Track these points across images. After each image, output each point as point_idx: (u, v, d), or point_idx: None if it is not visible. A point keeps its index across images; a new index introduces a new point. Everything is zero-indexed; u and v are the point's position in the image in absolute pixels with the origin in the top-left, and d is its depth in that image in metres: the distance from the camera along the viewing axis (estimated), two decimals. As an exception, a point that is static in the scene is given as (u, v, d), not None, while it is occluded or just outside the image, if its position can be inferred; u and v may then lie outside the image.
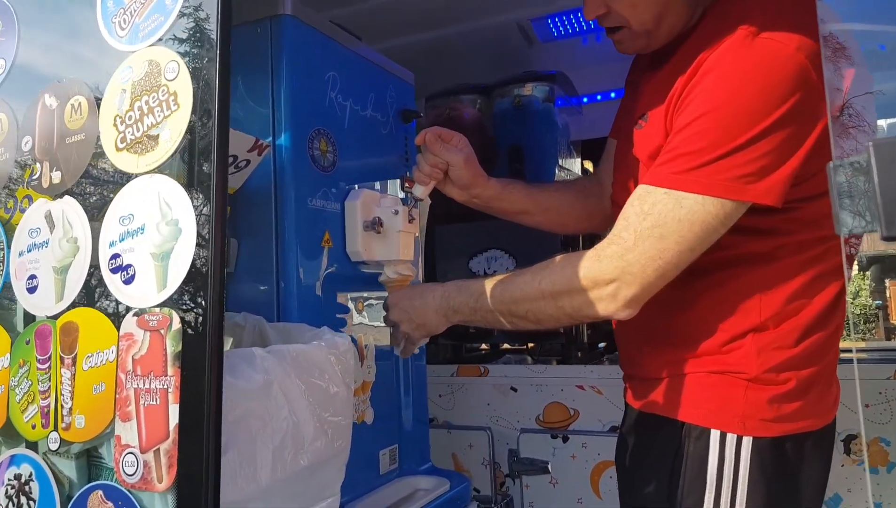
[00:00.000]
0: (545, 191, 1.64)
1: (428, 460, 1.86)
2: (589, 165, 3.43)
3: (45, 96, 1.09)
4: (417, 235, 1.62)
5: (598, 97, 3.31)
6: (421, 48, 2.60)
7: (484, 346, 3.07)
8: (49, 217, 1.04)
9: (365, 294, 1.63)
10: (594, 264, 1.16)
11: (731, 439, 1.15)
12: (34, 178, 1.07)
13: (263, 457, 0.96)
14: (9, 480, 1.01)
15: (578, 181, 2.04)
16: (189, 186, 0.90)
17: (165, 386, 0.87)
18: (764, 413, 1.15)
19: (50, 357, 0.99)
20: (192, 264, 0.88)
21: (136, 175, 0.94)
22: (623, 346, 1.39)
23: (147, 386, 0.88)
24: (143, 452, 0.87)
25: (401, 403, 1.78)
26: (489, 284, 1.28)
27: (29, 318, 1.04)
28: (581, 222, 1.62)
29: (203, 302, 0.86)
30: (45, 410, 0.99)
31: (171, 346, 0.87)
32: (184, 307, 0.88)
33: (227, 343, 1.29)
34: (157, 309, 0.89)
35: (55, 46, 1.14)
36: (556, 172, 2.61)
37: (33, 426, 1.00)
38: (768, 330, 1.17)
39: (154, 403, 0.87)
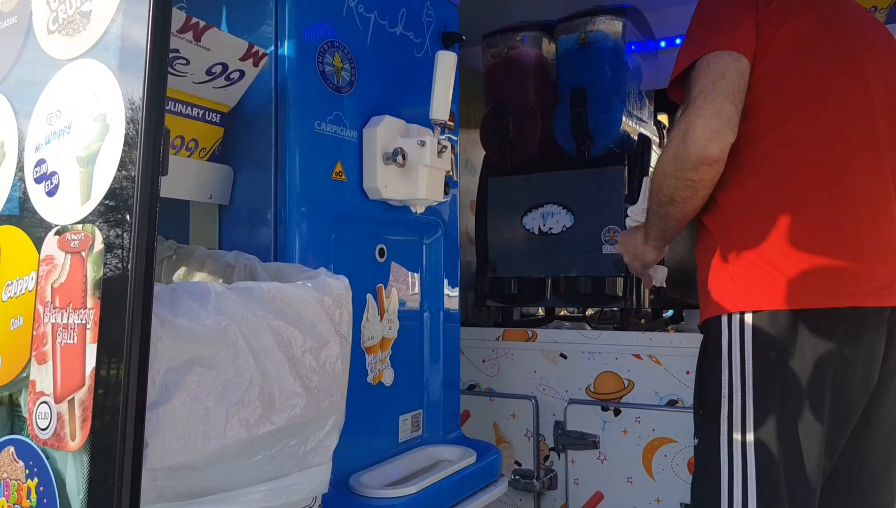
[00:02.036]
0: None
1: (457, 428, 1.67)
2: (663, 118, 3.12)
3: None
4: (449, 171, 1.41)
5: (678, 41, 2.98)
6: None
7: (540, 311, 2.85)
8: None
9: (387, 238, 1.43)
10: None
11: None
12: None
13: (215, 415, 0.78)
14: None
15: None
16: (121, 72, 0.71)
17: (84, 321, 0.70)
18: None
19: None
20: (120, 170, 0.70)
21: (66, 62, 0.76)
22: None
23: (65, 321, 0.71)
24: (57, 402, 0.71)
25: (427, 365, 1.59)
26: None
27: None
28: None
29: (129, 217, 0.68)
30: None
31: (92, 272, 0.70)
32: (108, 224, 0.70)
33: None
34: (80, 226, 0.72)
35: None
36: (624, 119, 2.33)
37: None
38: None
39: (71, 342, 0.70)
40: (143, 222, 0.68)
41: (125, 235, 0.69)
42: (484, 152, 2.51)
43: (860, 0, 1.58)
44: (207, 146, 1.18)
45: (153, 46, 0.69)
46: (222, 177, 1.22)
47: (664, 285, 1.77)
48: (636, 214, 1.64)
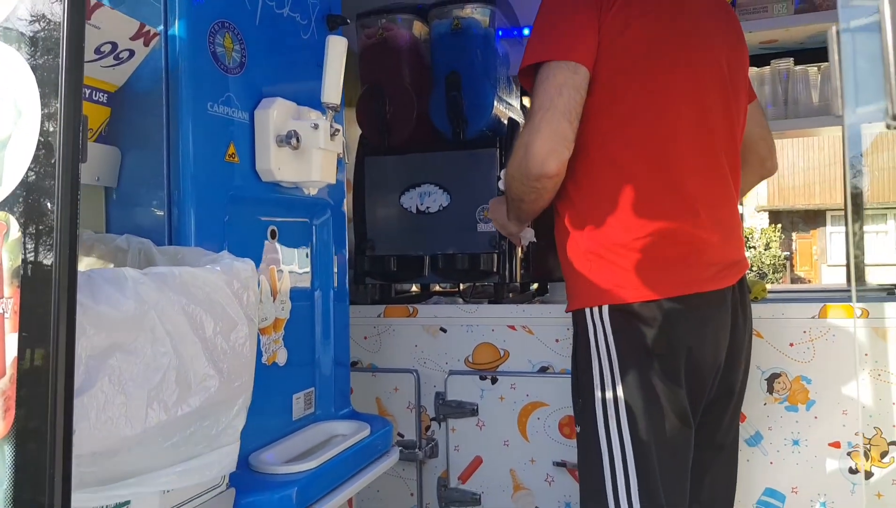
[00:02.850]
0: None
1: (348, 405, 1.72)
2: (528, 101, 3.29)
3: None
4: (341, 154, 1.44)
5: (540, 29, 3.14)
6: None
7: (414, 288, 2.94)
8: None
9: (277, 220, 1.45)
10: None
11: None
12: None
13: (136, 399, 0.79)
14: None
15: None
16: (31, 55, 0.70)
17: (1, 310, 0.68)
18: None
19: None
20: (36, 155, 0.68)
21: (-35, 42, 0.73)
22: None
23: (-23, 310, 0.69)
24: (-28, 392, 0.69)
25: (318, 344, 1.62)
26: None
27: None
28: None
29: (50, 204, 0.68)
30: None
31: (9, 259, 0.68)
32: (25, 210, 0.69)
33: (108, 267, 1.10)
34: (-9, 213, 0.70)
35: None
36: (496, 103, 2.45)
37: None
38: None
39: (-14, 331, 0.69)
40: (65, 210, 0.67)
41: (44, 222, 0.68)
42: (359, 132, 2.54)
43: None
44: (94, 127, 1.14)
45: (70, 32, 0.68)
46: (110, 158, 1.18)
47: (534, 241, 1.89)
48: (501, 176, 1.72)
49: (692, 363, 1.42)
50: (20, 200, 0.69)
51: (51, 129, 0.68)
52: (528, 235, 1.83)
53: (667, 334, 1.40)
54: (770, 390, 1.90)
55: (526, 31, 3.07)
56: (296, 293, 1.54)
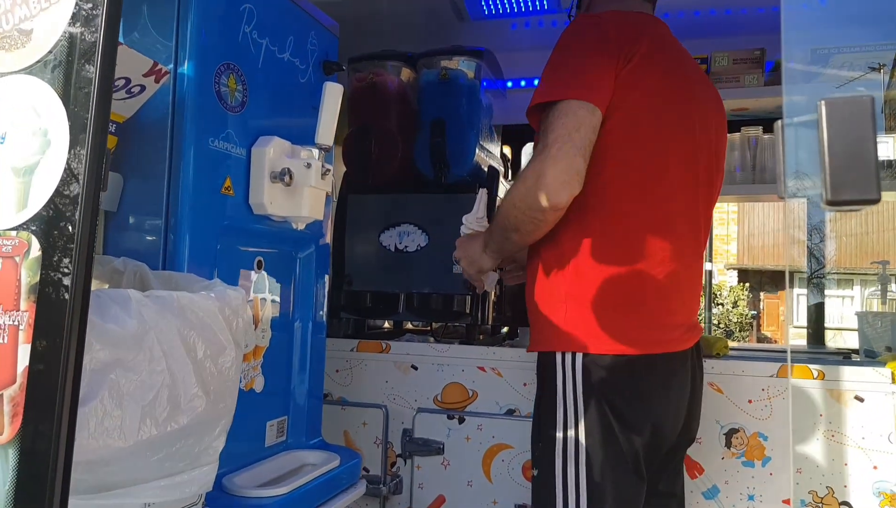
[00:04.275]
0: None
1: (318, 435, 1.76)
2: (507, 150, 3.40)
3: None
4: (329, 192, 1.52)
5: (523, 83, 3.28)
6: (349, 7, 2.47)
7: (386, 324, 2.99)
8: None
9: (264, 251, 1.51)
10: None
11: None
12: None
13: (131, 413, 0.84)
14: None
15: None
16: (65, 92, 0.77)
17: (16, 322, 0.74)
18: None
19: None
20: (61, 183, 0.75)
21: (1, 75, 0.80)
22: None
23: (-7, 321, 0.75)
24: (-19, 398, 0.74)
25: (294, 374, 1.67)
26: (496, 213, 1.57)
27: None
28: None
29: (70, 228, 0.74)
30: None
31: (27, 276, 0.74)
32: (46, 232, 0.75)
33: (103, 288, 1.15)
34: (13, 232, 0.76)
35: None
36: (477, 151, 2.55)
37: None
38: None
39: (0, 341, 0.74)
40: (84, 234, 0.74)
41: (63, 244, 0.74)
42: (343, 169, 2.62)
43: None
44: (99, 154, 1.21)
45: (102, 76, 0.75)
46: (113, 184, 1.24)
47: (494, 286, 1.93)
48: (470, 222, 1.78)
49: (655, 418, 1.45)
50: (42, 222, 0.75)
51: (77, 159, 0.75)
52: (493, 278, 1.85)
53: (636, 388, 1.43)
54: (728, 444, 1.95)
55: (509, 84, 3.21)
56: (276, 323, 1.59)
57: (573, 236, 1.47)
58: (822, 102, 0.56)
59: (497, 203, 2.34)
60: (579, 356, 1.43)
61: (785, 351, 3.21)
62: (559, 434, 1.44)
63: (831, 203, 0.55)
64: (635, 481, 1.43)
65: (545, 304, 1.52)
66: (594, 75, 1.42)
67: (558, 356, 1.46)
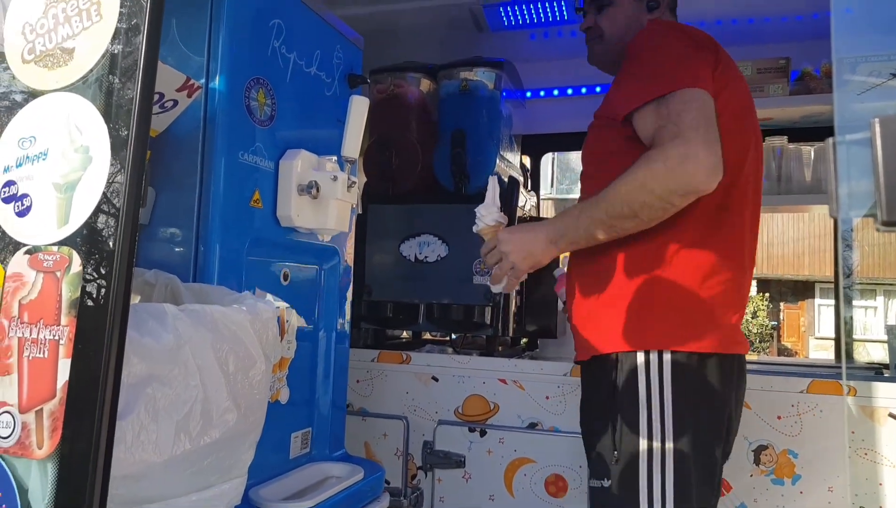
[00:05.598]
0: None
1: (342, 447, 1.76)
2: (527, 160, 3.40)
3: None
4: (354, 205, 1.52)
5: (542, 93, 3.29)
6: (371, 20, 2.49)
7: (405, 334, 2.99)
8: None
9: (290, 264, 1.51)
10: None
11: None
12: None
13: (166, 428, 0.85)
14: None
15: None
16: (106, 110, 0.78)
17: (56, 337, 0.75)
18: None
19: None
20: (102, 199, 0.76)
21: (44, 92, 0.81)
22: None
23: (34, 336, 0.75)
24: (22, 412, 0.75)
25: (318, 385, 1.67)
26: (581, 204, 1.44)
27: None
28: None
29: (111, 244, 0.75)
30: None
31: (68, 292, 0.75)
32: (87, 248, 0.76)
33: (134, 301, 1.16)
34: (55, 248, 0.77)
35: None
36: (497, 162, 2.55)
37: None
38: None
39: (41, 356, 0.75)
40: (124, 250, 0.74)
41: (104, 259, 0.75)
42: (364, 179, 2.63)
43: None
44: (131, 167, 1.22)
45: (142, 94, 0.76)
46: (145, 197, 1.26)
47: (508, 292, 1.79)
48: (490, 211, 1.61)
49: (729, 421, 1.42)
50: (83, 237, 0.76)
51: (118, 176, 0.76)
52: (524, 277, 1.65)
53: (719, 389, 1.37)
54: (757, 461, 1.92)
55: (528, 95, 3.22)
56: (301, 334, 1.59)
57: (674, 235, 1.40)
58: (876, 121, 0.56)
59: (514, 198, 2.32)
60: (667, 354, 1.35)
61: (811, 365, 3.17)
62: (644, 440, 1.35)
63: (887, 223, 0.55)
64: (715, 491, 1.40)
65: (629, 303, 1.42)
66: (702, 70, 1.37)
67: (639, 356, 1.37)
